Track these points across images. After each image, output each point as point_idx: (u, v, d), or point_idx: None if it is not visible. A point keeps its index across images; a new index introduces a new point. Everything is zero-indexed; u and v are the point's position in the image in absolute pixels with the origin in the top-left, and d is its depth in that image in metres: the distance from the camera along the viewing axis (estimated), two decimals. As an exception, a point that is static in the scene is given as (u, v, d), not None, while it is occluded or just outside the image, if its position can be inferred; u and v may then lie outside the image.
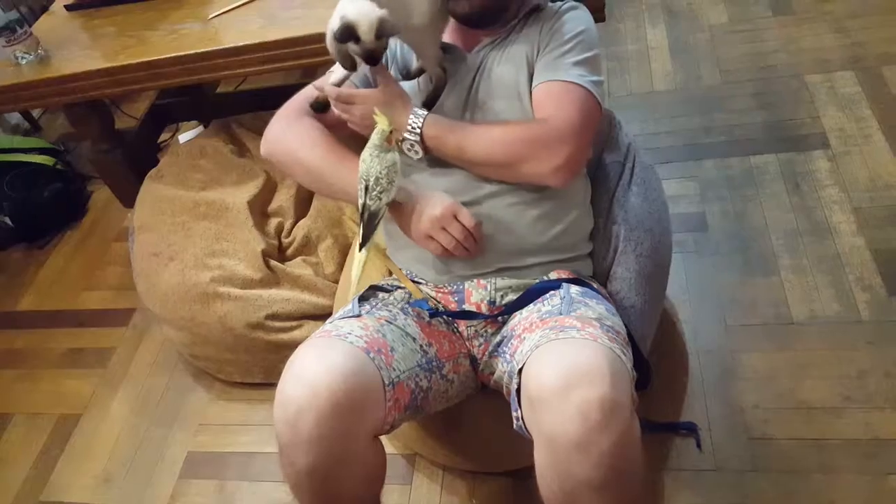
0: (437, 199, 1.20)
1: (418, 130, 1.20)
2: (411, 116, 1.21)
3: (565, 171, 1.19)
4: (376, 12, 1.12)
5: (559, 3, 1.33)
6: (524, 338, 1.11)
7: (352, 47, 1.14)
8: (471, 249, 1.21)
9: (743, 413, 1.52)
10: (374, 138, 1.15)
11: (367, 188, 1.15)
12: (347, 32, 1.12)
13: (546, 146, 1.18)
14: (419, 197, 1.21)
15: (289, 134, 1.30)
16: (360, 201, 1.17)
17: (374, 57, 1.16)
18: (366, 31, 1.12)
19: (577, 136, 1.19)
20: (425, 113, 1.22)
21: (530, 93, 1.25)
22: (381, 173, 1.14)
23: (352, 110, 1.23)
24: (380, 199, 1.16)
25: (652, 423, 1.49)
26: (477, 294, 1.26)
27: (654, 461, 1.47)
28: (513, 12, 1.31)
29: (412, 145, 1.22)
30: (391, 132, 1.15)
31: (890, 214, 1.82)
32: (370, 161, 1.14)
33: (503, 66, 1.28)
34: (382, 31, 1.12)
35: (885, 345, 1.57)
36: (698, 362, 1.63)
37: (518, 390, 1.03)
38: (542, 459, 0.98)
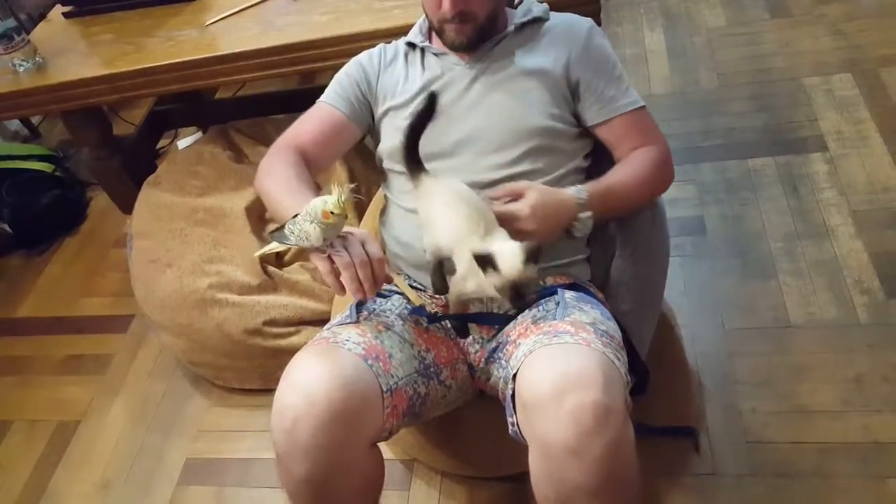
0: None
1: (589, 210, 1.23)
2: (576, 202, 1.22)
3: (672, 179, 1.36)
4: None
5: (573, 20, 1.37)
6: (519, 343, 1.11)
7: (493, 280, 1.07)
8: (364, 281, 1.06)
9: (741, 417, 1.52)
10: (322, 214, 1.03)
11: (295, 217, 1.09)
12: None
13: (666, 174, 1.35)
14: None
15: (265, 165, 1.34)
16: (292, 216, 1.10)
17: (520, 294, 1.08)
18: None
19: (669, 149, 1.35)
20: (584, 193, 1.23)
21: (551, 92, 1.31)
22: (305, 230, 1.05)
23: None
24: (291, 234, 1.09)
25: (650, 428, 1.49)
26: (474, 307, 1.26)
27: (651, 465, 1.46)
28: (499, 28, 1.35)
29: (587, 223, 1.24)
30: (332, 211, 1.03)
31: (888, 217, 1.82)
32: (307, 219, 1.05)
33: (515, 63, 1.32)
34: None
35: (883, 348, 1.57)
36: (696, 366, 1.63)
37: (513, 396, 1.03)
38: (536, 465, 0.98)
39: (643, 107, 1.34)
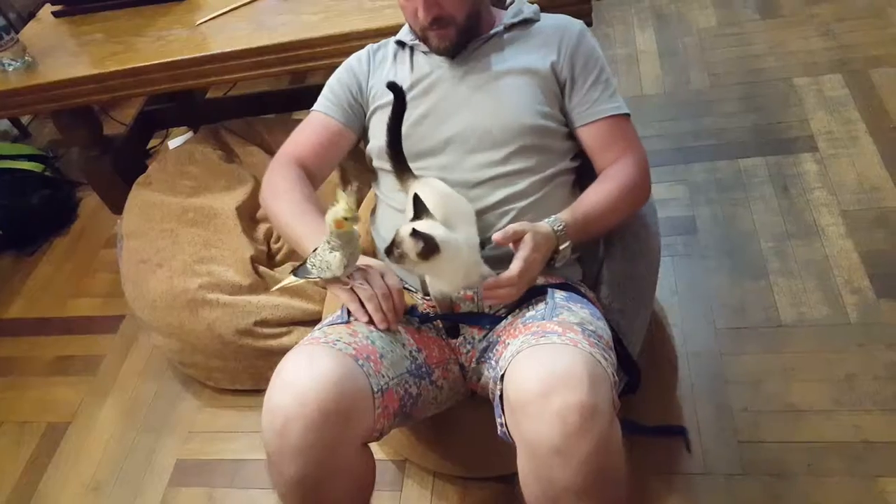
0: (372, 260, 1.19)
1: (567, 241, 1.19)
2: (556, 233, 1.18)
3: (650, 192, 1.34)
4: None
5: (564, 21, 1.36)
6: (508, 343, 1.11)
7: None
8: (385, 310, 1.15)
9: (732, 416, 1.52)
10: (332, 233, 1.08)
11: (315, 251, 1.13)
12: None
13: (643, 190, 1.32)
14: None
15: (267, 182, 1.36)
16: (312, 251, 1.14)
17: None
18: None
19: (647, 161, 1.31)
20: (561, 224, 1.19)
21: (543, 91, 1.31)
22: (325, 260, 1.10)
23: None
24: (313, 267, 1.12)
25: (641, 427, 1.49)
26: (465, 307, 1.25)
27: (643, 464, 1.47)
28: (485, 28, 1.34)
29: (566, 254, 1.20)
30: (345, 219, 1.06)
31: (877, 216, 1.83)
32: (326, 249, 1.10)
33: (504, 61, 1.32)
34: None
35: (873, 347, 1.57)
36: (688, 365, 1.63)
37: (501, 396, 1.03)
38: (524, 465, 0.99)
39: (627, 115, 1.32)
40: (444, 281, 1.16)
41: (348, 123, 1.39)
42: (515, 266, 1.11)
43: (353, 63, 1.42)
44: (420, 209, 1.12)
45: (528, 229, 1.14)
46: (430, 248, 1.06)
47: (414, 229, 1.06)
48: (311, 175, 1.37)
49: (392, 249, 1.10)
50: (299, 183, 1.32)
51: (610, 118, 1.31)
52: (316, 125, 1.40)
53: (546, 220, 1.19)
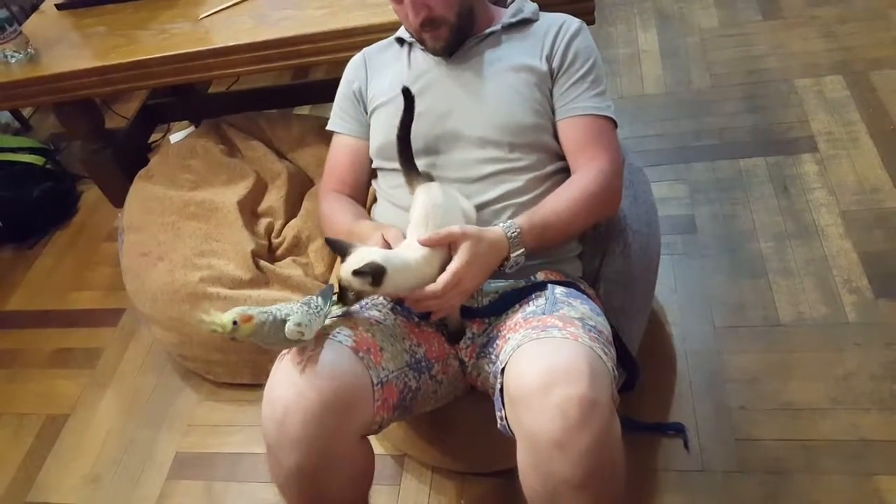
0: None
1: (521, 248, 1.16)
2: (508, 241, 1.15)
3: (620, 201, 1.31)
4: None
5: (562, 18, 1.35)
6: (508, 338, 1.11)
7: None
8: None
9: (730, 414, 1.53)
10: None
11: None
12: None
13: (611, 201, 1.28)
14: None
15: (320, 214, 1.43)
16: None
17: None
18: None
19: (621, 169, 1.28)
20: (517, 231, 1.16)
21: (539, 88, 1.29)
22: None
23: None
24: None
25: (640, 424, 1.50)
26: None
27: (641, 462, 1.48)
28: (482, 25, 1.34)
29: (518, 260, 1.17)
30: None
31: (877, 217, 1.84)
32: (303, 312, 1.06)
33: (501, 59, 1.31)
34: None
35: (871, 346, 1.58)
36: (686, 363, 1.64)
37: (501, 390, 1.04)
38: (523, 459, 0.99)
39: (610, 119, 1.28)
40: (409, 288, 1.12)
41: (364, 136, 1.41)
42: (442, 279, 1.09)
43: (351, 73, 1.43)
44: (342, 249, 1.11)
45: (470, 235, 1.10)
46: (377, 274, 1.05)
47: (354, 270, 1.05)
48: (353, 193, 1.41)
49: (345, 295, 1.09)
50: (343, 206, 1.37)
51: (589, 117, 1.27)
52: (339, 148, 1.43)
53: (501, 224, 1.16)
